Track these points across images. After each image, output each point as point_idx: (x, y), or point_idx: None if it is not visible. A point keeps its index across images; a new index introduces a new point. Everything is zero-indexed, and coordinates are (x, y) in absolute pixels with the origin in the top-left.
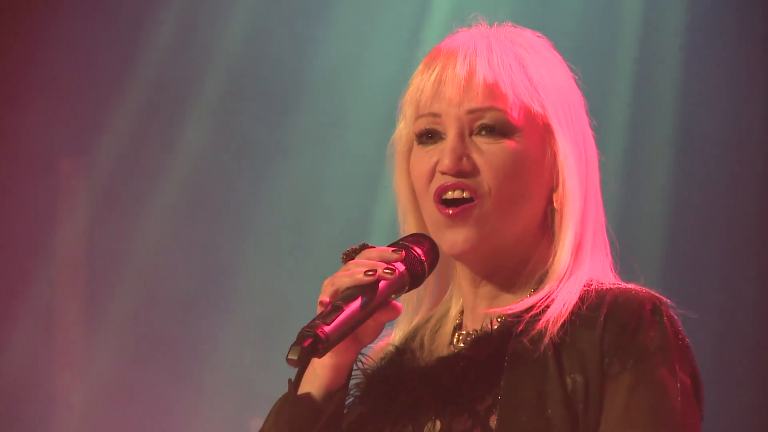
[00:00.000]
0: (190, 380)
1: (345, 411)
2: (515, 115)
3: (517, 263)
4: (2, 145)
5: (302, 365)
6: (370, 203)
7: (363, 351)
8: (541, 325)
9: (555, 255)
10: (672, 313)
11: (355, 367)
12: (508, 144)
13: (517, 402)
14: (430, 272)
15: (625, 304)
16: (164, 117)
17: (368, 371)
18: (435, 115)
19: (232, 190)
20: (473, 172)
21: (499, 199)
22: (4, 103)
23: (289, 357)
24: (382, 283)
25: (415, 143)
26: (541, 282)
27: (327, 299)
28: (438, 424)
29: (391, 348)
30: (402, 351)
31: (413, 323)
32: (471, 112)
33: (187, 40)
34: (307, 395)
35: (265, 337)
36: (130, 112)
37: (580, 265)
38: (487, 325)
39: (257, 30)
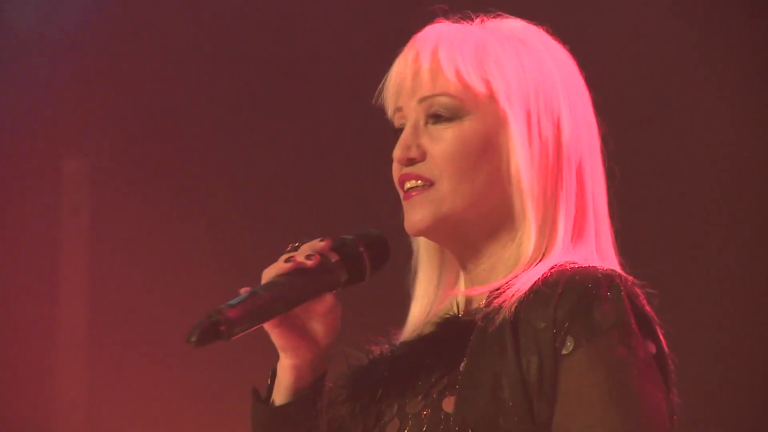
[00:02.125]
0: (195, 380)
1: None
2: (462, 99)
3: (493, 246)
4: (4, 145)
5: (202, 346)
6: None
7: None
8: (497, 303)
9: (516, 239)
10: (634, 291)
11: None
12: (457, 127)
13: (475, 384)
14: (375, 266)
15: (580, 280)
16: (169, 116)
17: (354, 367)
18: (399, 109)
19: (239, 190)
20: (422, 158)
21: (451, 180)
22: (6, 102)
23: (188, 338)
24: (308, 273)
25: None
26: (514, 268)
27: (246, 288)
28: (395, 407)
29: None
30: (391, 345)
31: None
32: (422, 100)
33: (189, 39)
34: (270, 401)
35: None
36: (133, 111)
37: (551, 250)
38: (454, 308)
39: (262, 26)
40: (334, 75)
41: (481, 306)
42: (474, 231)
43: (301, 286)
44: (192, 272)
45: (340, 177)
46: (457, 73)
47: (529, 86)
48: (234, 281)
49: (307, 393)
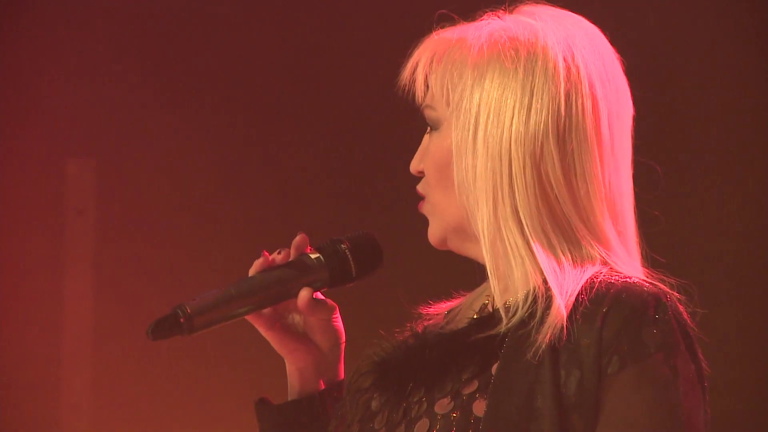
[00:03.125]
0: (200, 383)
1: (351, 393)
2: (436, 109)
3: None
4: (8, 146)
5: (161, 339)
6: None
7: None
8: (544, 317)
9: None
10: (679, 309)
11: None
12: (435, 137)
13: (507, 390)
14: (363, 267)
15: (627, 300)
16: (174, 117)
17: (379, 353)
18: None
19: (245, 191)
20: (424, 173)
21: (435, 194)
22: (10, 103)
23: (147, 331)
24: (283, 271)
25: None
26: (521, 269)
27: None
28: (424, 404)
29: (421, 324)
30: (418, 333)
31: (464, 299)
32: (421, 108)
33: (195, 39)
34: (275, 405)
35: None
36: (138, 112)
37: (542, 251)
38: (488, 309)
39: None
40: (351, 75)
41: (515, 306)
42: (472, 237)
43: (273, 284)
44: (197, 274)
45: (357, 180)
46: (426, 84)
47: (483, 91)
48: None
49: (314, 396)
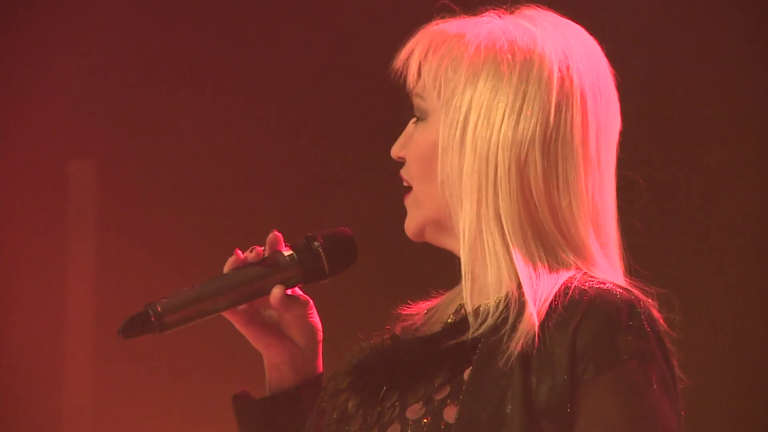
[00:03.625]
0: (202, 383)
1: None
2: (426, 100)
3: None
4: (10, 147)
5: (132, 338)
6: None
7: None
8: (516, 324)
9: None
10: (653, 315)
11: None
12: (421, 127)
13: (479, 397)
14: (335, 264)
15: (601, 307)
16: (176, 118)
17: (358, 354)
18: None
19: (247, 192)
20: (405, 160)
21: (419, 183)
22: (11, 105)
23: (118, 330)
24: (254, 268)
25: None
26: (497, 270)
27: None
28: (397, 409)
29: (399, 325)
30: (396, 334)
31: (441, 299)
32: (411, 95)
33: (197, 39)
34: (252, 399)
35: None
36: (139, 112)
37: (515, 252)
38: (461, 313)
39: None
40: (339, 70)
41: (486, 312)
42: (450, 231)
43: (245, 282)
44: (198, 274)
45: (339, 177)
46: (419, 73)
47: (476, 91)
48: None
49: (291, 392)
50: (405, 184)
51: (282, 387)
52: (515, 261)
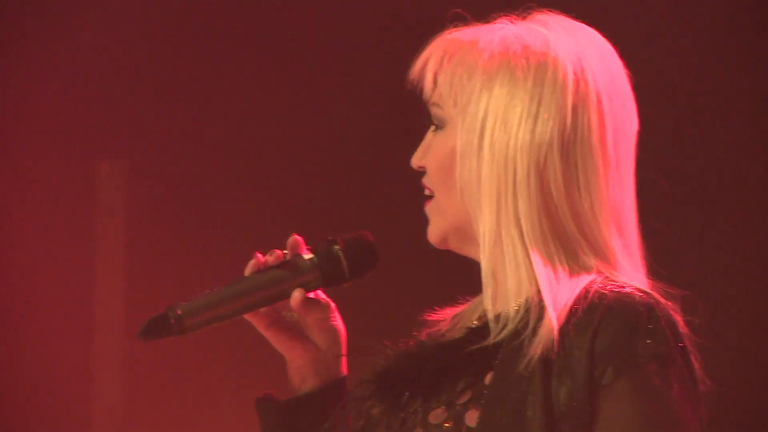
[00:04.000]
0: (231, 384)
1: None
2: (442, 108)
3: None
4: (40, 148)
5: (151, 340)
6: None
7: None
8: (536, 328)
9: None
10: (672, 318)
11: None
12: (439, 136)
13: (500, 401)
14: (356, 268)
15: (620, 310)
16: (205, 118)
17: (384, 360)
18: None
19: (277, 192)
20: (425, 169)
21: (439, 192)
22: (42, 105)
23: (138, 333)
24: (275, 271)
25: None
26: (516, 275)
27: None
28: (420, 414)
29: (427, 331)
30: (421, 341)
31: (469, 304)
32: (426, 104)
33: (225, 40)
34: (276, 401)
35: None
36: (169, 113)
37: (534, 258)
38: (483, 318)
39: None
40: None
41: (506, 317)
42: (473, 240)
43: (265, 285)
44: (227, 276)
45: (361, 181)
46: (435, 82)
47: (491, 97)
48: None
49: (314, 395)
50: (427, 192)
51: (304, 390)
52: (535, 265)
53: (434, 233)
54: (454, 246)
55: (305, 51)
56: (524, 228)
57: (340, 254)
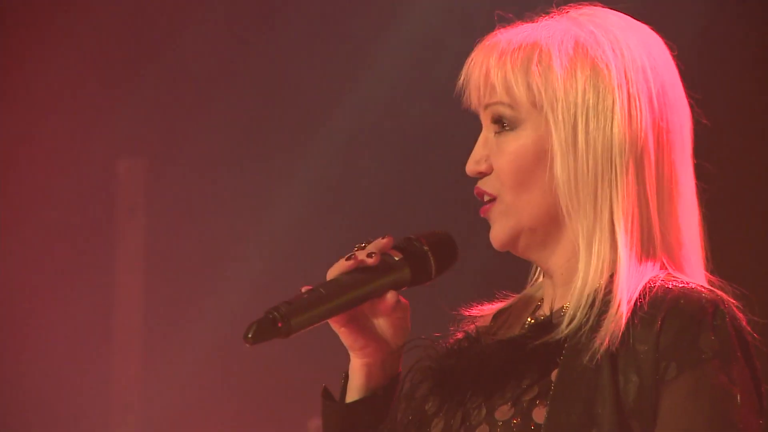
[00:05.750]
0: (248, 382)
1: (405, 394)
2: (516, 109)
3: (561, 257)
4: (60, 146)
5: (260, 343)
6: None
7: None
8: (601, 328)
9: (571, 250)
10: (737, 316)
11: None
12: (514, 139)
13: (567, 397)
14: (441, 265)
15: (685, 306)
16: (224, 115)
17: (434, 355)
18: (477, 111)
19: (296, 189)
20: (489, 171)
21: (512, 194)
22: (62, 104)
23: (244, 335)
24: (370, 271)
25: None
26: (587, 272)
27: (308, 287)
28: (484, 411)
29: (471, 325)
30: (479, 330)
31: (513, 299)
32: (486, 107)
33: (243, 39)
34: (340, 400)
35: (328, 337)
36: (188, 111)
37: (617, 255)
38: (546, 314)
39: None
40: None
41: (574, 311)
42: (543, 239)
43: (361, 285)
44: (249, 273)
45: (405, 177)
46: (506, 82)
47: (578, 91)
48: (292, 282)
49: (379, 393)
50: (487, 198)
51: (370, 388)
52: (620, 261)
53: (504, 234)
54: (522, 247)
55: (308, 46)
56: (617, 223)
57: (429, 253)
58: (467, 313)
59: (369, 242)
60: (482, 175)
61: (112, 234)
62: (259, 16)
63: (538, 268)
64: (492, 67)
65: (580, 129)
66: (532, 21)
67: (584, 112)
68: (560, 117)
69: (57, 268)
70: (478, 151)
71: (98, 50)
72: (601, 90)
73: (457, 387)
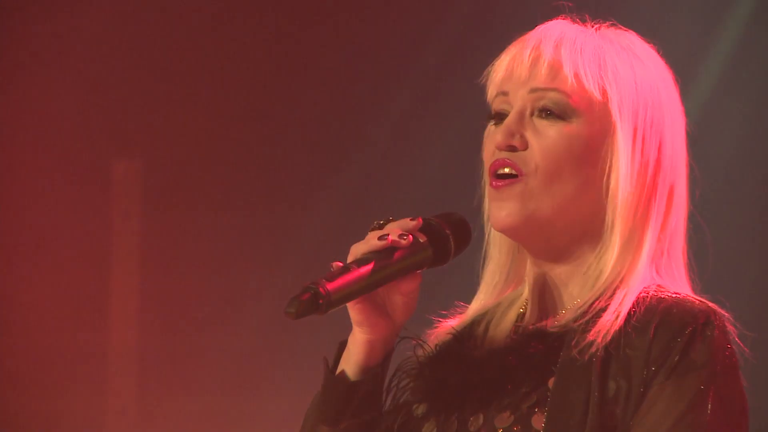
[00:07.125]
0: (244, 384)
1: (392, 396)
2: (575, 100)
3: (574, 254)
4: (55, 149)
5: (300, 318)
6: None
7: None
8: (593, 332)
9: (600, 251)
10: (727, 329)
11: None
12: (564, 127)
13: (565, 404)
14: (459, 248)
15: (677, 315)
16: (220, 119)
17: (421, 359)
18: (504, 93)
19: (289, 192)
20: (523, 147)
21: (545, 178)
22: (57, 106)
23: (287, 310)
24: (399, 251)
25: (491, 124)
26: (596, 280)
27: (339, 263)
28: (481, 418)
29: (451, 332)
30: (461, 337)
31: (487, 306)
32: (533, 91)
33: (242, 43)
34: (342, 374)
35: (332, 331)
36: (183, 114)
37: (634, 268)
38: (543, 321)
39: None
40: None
41: (567, 321)
42: (558, 235)
43: (394, 264)
44: (244, 276)
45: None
46: (576, 74)
47: (640, 102)
48: (292, 282)
49: (377, 371)
50: (509, 170)
51: (369, 364)
52: (631, 275)
53: (519, 217)
54: (526, 233)
55: (302, 47)
56: (646, 235)
57: (450, 237)
58: (443, 321)
59: (389, 220)
60: (512, 148)
61: (107, 235)
62: (260, 20)
63: (499, 275)
64: (564, 57)
65: (638, 143)
66: (578, 23)
67: (642, 129)
68: (628, 126)
69: (52, 269)
70: (514, 124)
71: (95, 53)
72: (669, 106)
73: (451, 394)
